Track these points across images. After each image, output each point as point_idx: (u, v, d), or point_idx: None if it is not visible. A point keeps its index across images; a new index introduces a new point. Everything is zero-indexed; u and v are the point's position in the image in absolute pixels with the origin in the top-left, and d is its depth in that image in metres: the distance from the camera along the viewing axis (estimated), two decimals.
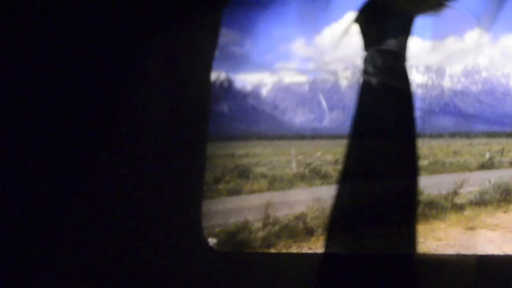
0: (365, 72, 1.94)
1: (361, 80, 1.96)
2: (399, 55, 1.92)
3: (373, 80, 1.94)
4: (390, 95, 1.92)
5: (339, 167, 1.99)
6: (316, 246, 5.64)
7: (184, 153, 2.10)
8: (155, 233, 2.02)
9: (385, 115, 1.92)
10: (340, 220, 1.93)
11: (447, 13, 2.12)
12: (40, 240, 1.77)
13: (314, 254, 1.97)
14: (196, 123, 2.11)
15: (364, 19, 2.03)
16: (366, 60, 1.95)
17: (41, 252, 1.78)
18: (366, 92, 1.94)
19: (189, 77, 2.08)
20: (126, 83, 1.91)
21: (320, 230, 5.94)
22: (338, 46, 2.47)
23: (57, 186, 1.78)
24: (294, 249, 5.69)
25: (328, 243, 1.98)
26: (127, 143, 1.95)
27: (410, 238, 1.87)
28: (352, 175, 1.95)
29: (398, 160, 1.90)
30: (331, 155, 11.02)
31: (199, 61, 2.12)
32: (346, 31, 2.32)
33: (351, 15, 2.06)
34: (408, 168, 1.89)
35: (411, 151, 1.91)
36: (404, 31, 1.96)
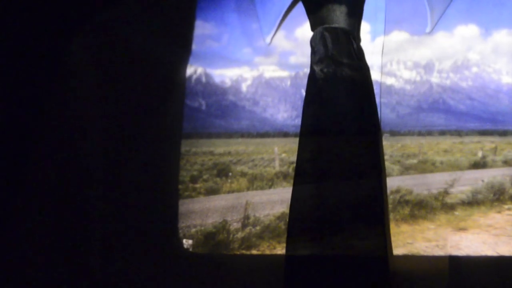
0: (314, 55, 1.78)
1: (310, 65, 1.78)
2: (351, 34, 1.76)
3: (324, 64, 1.75)
4: (343, 81, 1.74)
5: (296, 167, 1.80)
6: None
7: (157, 151, 2.07)
8: (128, 234, 1.99)
9: (339, 104, 1.74)
10: (305, 222, 1.77)
11: None
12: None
13: (289, 256, 1.83)
14: (168, 120, 2.08)
15: None
16: (314, 41, 1.78)
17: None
18: (316, 79, 1.75)
19: (160, 74, 2.05)
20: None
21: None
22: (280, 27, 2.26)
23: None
24: (278, 251, 5.62)
25: (293, 245, 1.81)
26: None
27: (381, 240, 1.71)
28: (308, 176, 1.77)
29: (356, 159, 1.72)
30: None
31: (167, 55, 2.08)
32: (289, 9, 2.16)
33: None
34: (369, 167, 1.72)
35: (371, 148, 1.73)
36: (354, 8, 1.80)
